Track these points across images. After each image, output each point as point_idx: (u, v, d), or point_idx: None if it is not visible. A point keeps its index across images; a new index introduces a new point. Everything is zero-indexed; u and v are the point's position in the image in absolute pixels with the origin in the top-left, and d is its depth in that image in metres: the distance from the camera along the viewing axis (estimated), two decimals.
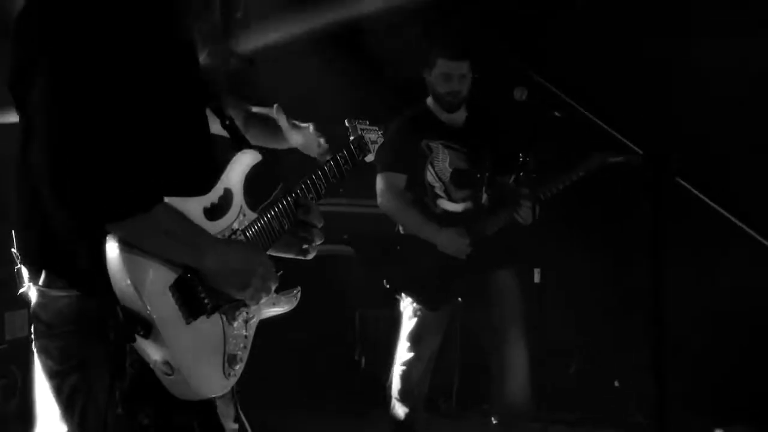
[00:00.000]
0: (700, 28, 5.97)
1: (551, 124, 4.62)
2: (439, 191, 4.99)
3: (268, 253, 2.60)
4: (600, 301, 6.38)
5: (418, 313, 4.95)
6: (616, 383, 6.30)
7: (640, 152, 2.74)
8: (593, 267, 6.34)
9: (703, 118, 5.85)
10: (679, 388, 3.28)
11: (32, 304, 2.40)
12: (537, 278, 4.77)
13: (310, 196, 2.71)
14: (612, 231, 6.35)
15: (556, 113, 4.63)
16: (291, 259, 2.76)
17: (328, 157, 2.83)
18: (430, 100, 5.13)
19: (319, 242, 2.75)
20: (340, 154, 2.81)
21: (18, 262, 2.42)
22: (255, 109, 3.09)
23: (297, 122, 2.99)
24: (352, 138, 2.87)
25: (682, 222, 4.48)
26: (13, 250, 2.42)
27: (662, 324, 2.64)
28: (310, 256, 2.77)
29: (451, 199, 4.99)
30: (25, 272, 2.41)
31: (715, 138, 5.84)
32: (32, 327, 2.43)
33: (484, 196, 5.04)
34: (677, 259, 3.56)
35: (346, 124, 2.93)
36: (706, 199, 2.79)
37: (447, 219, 4.94)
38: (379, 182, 5.04)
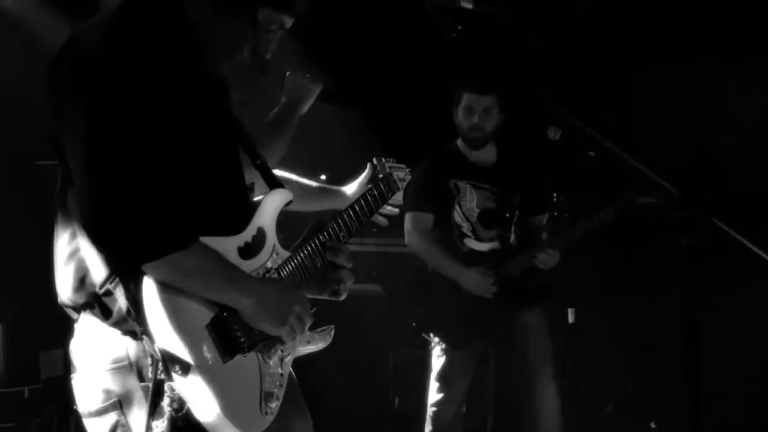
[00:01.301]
0: (736, 64, 5.96)
1: (585, 164, 4.61)
2: (466, 231, 4.99)
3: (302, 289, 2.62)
4: (635, 341, 6.33)
5: (446, 352, 4.94)
6: (653, 425, 6.23)
7: (676, 192, 2.74)
8: (627, 306, 6.29)
9: (736, 156, 5.83)
10: (715, 428, 3.25)
11: (70, 342, 2.42)
12: (571, 318, 4.75)
13: (342, 234, 2.73)
14: (646, 270, 6.31)
15: (591, 153, 4.62)
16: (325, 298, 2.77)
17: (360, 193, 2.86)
18: (459, 141, 5.14)
19: (349, 283, 2.77)
20: (369, 192, 2.83)
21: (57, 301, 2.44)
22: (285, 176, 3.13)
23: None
24: (380, 176, 2.89)
25: (716, 261, 4.45)
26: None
27: (697, 364, 2.62)
28: (342, 297, 2.78)
29: (478, 238, 4.99)
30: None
31: (748, 175, 5.81)
32: (70, 366, 2.46)
33: (512, 236, 5.03)
34: (712, 299, 3.54)
35: (374, 163, 2.95)
36: (743, 240, 2.78)
37: (474, 258, 4.93)
38: (407, 222, 5.05)
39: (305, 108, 3.13)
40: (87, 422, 2.39)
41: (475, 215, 4.98)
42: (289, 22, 2.54)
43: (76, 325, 2.40)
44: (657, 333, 6.24)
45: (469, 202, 4.99)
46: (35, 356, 5.26)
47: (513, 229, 5.02)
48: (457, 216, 4.99)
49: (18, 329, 5.20)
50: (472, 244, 4.98)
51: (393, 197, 2.93)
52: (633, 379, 6.32)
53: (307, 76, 3.17)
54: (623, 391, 6.41)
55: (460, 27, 2.73)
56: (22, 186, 5.62)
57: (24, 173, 5.72)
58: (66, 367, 2.52)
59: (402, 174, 2.95)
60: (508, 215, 5.00)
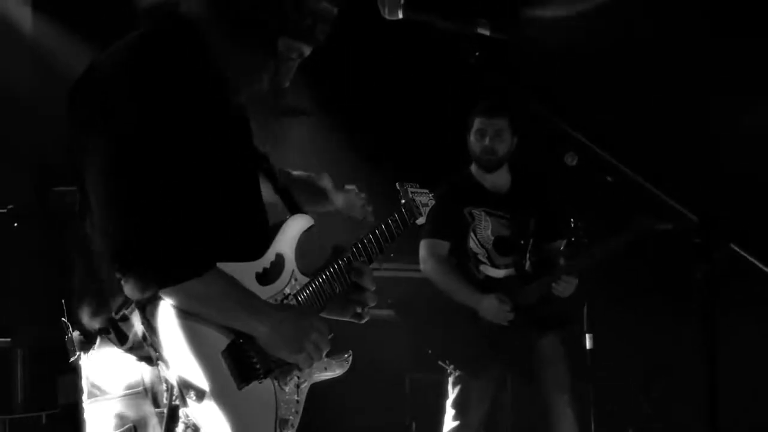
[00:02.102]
0: (755, 88, 5.95)
1: (603, 189, 4.60)
2: (481, 258, 4.98)
3: (321, 315, 2.62)
4: (653, 366, 6.30)
5: (462, 380, 4.93)
6: None
7: (693, 218, 2.72)
8: (645, 332, 6.26)
9: (754, 180, 5.81)
10: None
11: (85, 368, 2.42)
12: (589, 344, 4.73)
13: (362, 259, 2.71)
14: (664, 295, 6.28)
15: (608, 178, 4.61)
16: (340, 323, 2.76)
17: (372, 218, 2.86)
18: (473, 167, 5.14)
19: (372, 305, 2.76)
20: (391, 217, 2.82)
21: (71, 328, 2.44)
22: (295, 173, 3.13)
23: (341, 186, 3.04)
24: (403, 201, 2.88)
25: (734, 286, 4.43)
26: (63, 319, 2.45)
27: (716, 389, 2.60)
28: (364, 320, 2.78)
29: (494, 265, 4.99)
30: (77, 338, 2.44)
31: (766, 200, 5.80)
32: (84, 391, 2.46)
33: (528, 263, 5.02)
34: (730, 323, 3.52)
35: (397, 188, 2.95)
36: (761, 265, 2.76)
37: (489, 285, 4.93)
38: (422, 249, 5.06)
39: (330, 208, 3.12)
40: None
41: (491, 242, 4.97)
42: (308, 50, 2.55)
43: (91, 351, 2.40)
44: (675, 358, 6.20)
45: (484, 229, 4.98)
46: (53, 381, 5.27)
47: (528, 255, 5.01)
48: (473, 243, 4.99)
49: (36, 354, 5.22)
50: (488, 271, 4.98)
51: (415, 223, 2.92)
52: (652, 404, 6.28)
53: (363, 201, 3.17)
54: (642, 417, 6.37)
55: (477, 53, 2.73)
56: (41, 211, 5.65)
57: (44, 199, 5.75)
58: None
59: (425, 199, 2.94)
60: (523, 242, 4.99)
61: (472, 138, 5.06)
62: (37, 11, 6.72)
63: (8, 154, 6.18)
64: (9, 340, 5.13)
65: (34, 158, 6.21)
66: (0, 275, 5.35)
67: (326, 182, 3.06)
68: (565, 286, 4.80)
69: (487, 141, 4.99)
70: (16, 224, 5.45)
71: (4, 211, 5.61)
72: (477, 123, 5.03)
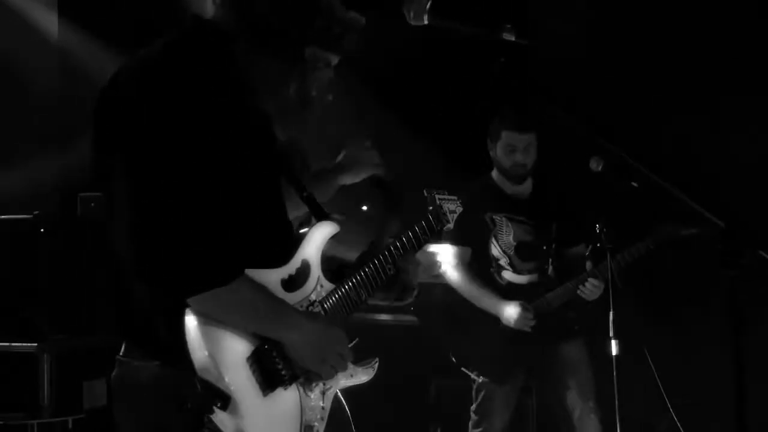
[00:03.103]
0: None
1: (628, 195, 4.58)
2: (503, 264, 4.97)
3: (369, 300, 2.63)
4: (680, 372, 6.26)
5: (486, 386, 4.92)
6: None
7: (720, 224, 2.71)
8: (672, 337, 6.22)
9: None
10: None
11: (112, 374, 2.44)
12: (614, 350, 4.70)
13: (388, 267, 2.71)
14: (690, 301, 6.24)
15: (634, 183, 4.59)
16: (365, 329, 2.76)
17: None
18: (495, 173, 5.13)
19: (416, 288, 2.76)
20: (418, 225, 2.81)
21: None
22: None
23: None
24: (430, 208, 2.88)
25: (762, 293, 4.40)
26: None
27: (743, 397, 2.59)
28: (407, 301, 2.78)
29: (516, 271, 4.97)
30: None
31: None
32: (111, 396, 2.47)
33: (550, 268, 5.00)
34: (758, 330, 3.49)
35: (425, 194, 2.94)
36: None
37: (512, 291, 4.92)
38: (443, 255, 5.05)
39: (351, 180, 3.06)
40: None
41: (513, 248, 4.96)
42: (335, 59, 2.55)
43: (117, 357, 2.41)
44: (702, 364, 6.16)
45: (506, 235, 4.97)
46: (79, 386, 5.30)
47: (551, 261, 5.00)
48: (494, 249, 4.98)
49: (63, 360, 5.24)
50: (510, 276, 4.97)
51: (442, 229, 2.91)
52: (678, 410, 6.24)
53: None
54: (668, 424, 6.32)
55: (503, 59, 2.72)
56: (67, 217, 5.69)
57: (70, 204, 5.79)
58: (108, 397, 2.52)
59: (453, 206, 2.94)
60: (545, 247, 4.98)
61: (499, 151, 5.04)
62: (63, 17, 6.77)
63: (34, 159, 6.22)
64: (36, 345, 5.15)
65: (61, 164, 6.25)
66: (27, 281, 5.37)
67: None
68: (592, 290, 4.78)
69: (518, 156, 4.98)
70: (42, 230, 5.48)
71: (30, 216, 5.64)
72: (506, 137, 5.00)
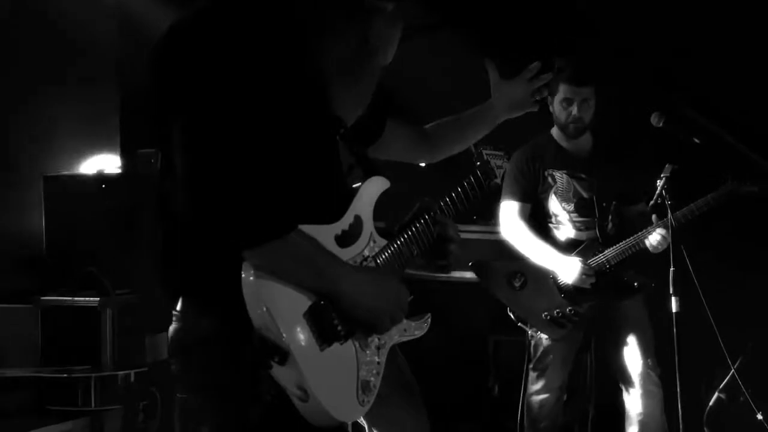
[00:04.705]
0: None
1: (689, 151, 4.51)
2: (563, 220, 4.94)
3: (406, 271, 2.62)
4: (740, 330, 6.19)
5: (543, 343, 4.92)
6: (759, 416, 6.09)
7: None
8: (733, 294, 6.15)
9: None
10: None
11: (170, 329, 2.46)
12: (675, 307, 4.65)
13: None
14: (753, 256, 6.16)
15: (696, 139, 4.52)
16: (422, 285, 2.76)
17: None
18: (555, 129, 5.08)
19: (457, 257, 2.75)
20: (467, 180, 2.80)
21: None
22: (428, 126, 3.11)
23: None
24: (478, 164, 2.86)
25: None
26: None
27: None
28: (449, 272, 2.78)
29: (575, 227, 4.94)
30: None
31: None
32: (170, 351, 2.50)
33: (610, 225, 4.95)
34: None
35: (472, 150, 2.93)
36: None
37: (571, 248, 4.89)
38: (503, 211, 5.03)
39: (388, 56, 3.04)
40: (183, 407, 2.43)
41: (572, 204, 4.92)
42: (390, 6, 2.53)
43: (174, 312, 2.44)
44: (764, 322, 6.09)
45: (566, 191, 4.93)
46: (141, 340, 5.38)
47: (611, 217, 4.95)
48: (554, 205, 4.95)
49: (125, 315, 5.32)
50: (570, 233, 4.94)
51: (490, 184, 2.89)
52: (739, 370, 6.18)
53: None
54: (729, 382, 6.27)
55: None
56: (127, 173, 5.74)
57: (130, 161, 5.84)
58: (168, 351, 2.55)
59: (500, 161, 2.92)
60: (605, 204, 4.93)
61: (556, 105, 4.98)
62: None
63: (95, 117, 6.28)
64: (98, 299, 5.23)
65: (121, 121, 6.30)
66: (88, 237, 5.45)
67: (493, 73, 3.03)
68: (660, 241, 4.72)
69: (574, 110, 4.92)
70: (103, 186, 5.55)
71: (92, 173, 5.71)
72: (563, 91, 4.94)
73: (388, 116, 2.97)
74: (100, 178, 5.62)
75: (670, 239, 4.59)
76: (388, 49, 2.57)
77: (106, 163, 6.00)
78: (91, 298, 5.25)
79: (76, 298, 5.29)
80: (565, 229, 4.94)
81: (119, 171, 5.88)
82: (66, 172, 5.78)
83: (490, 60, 3.03)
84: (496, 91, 3.05)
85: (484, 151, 2.88)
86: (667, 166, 4.61)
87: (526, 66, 3.08)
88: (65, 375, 5.09)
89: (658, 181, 4.58)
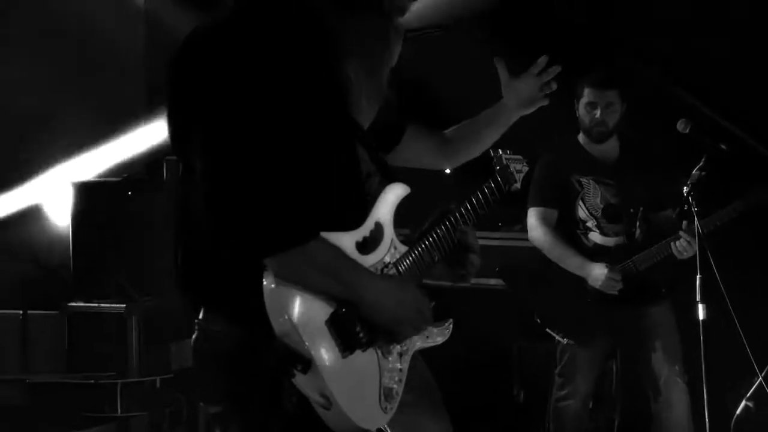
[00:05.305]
0: None
1: (717, 157, 4.49)
2: (590, 226, 4.92)
3: (425, 281, 2.62)
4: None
5: (570, 349, 4.90)
6: None
7: None
8: (761, 302, 6.10)
9: None
10: None
11: (192, 337, 2.47)
12: (702, 315, 4.62)
13: (460, 228, 2.70)
14: None
15: (723, 146, 4.50)
16: (446, 291, 2.75)
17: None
18: (581, 135, 5.06)
19: (477, 266, 2.74)
20: (486, 185, 2.78)
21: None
22: (448, 132, 3.11)
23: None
24: (497, 168, 2.84)
25: None
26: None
27: None
28: (467, 281, 2.76)
29: (603, 233, 4.91)
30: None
31: None
32: (193, 360, 2.51)
33: (638, 231, 4.93)
34: None
35: (491, 154, 2.91)
36: None
37: (598, 253, 4.87)
38: (530, 217, 5.03)
39: (395, 57, 3.04)
40: (207, 416, 2.44)
41: (600, 210, 4.90)
42: (410, 5, 2.52)
43: (196, 321, 2.44)
44: None
45: (593, 197, 4.92)
46: (166, 347, 5.40)
47: (638, 223, 4.93)
48: (581, 211, 4.93)
49: (150, 321, 5.34)
50: (597, 239, 4.92)
51: (510, 189, 2.88)
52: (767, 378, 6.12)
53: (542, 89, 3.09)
54: (757, 390, 6.22)
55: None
56: (155, 180, 5.77)
57: (156, 168, 5.87)
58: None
59: (519, 166, 2.90)
60: (632, 210, 4.91)
61: (581, 109, 4.97)
62: None
63: (122, 124, 6.32)
64: (125, 306, 5.26)
65: (147, 128, 6.34)
66: (115, 244, 5.48)
67: (503, 72, 3.03)
68: (686, 246, 4.69)
69: (598, 114, 4.90)
70: (130, 193, 5.58)
71: (119, 180, 5.75)
72: (587, 95, 4.93)
73: (406, 123, 2.96)
74: (127, 184, 5.65)
75: (696, 246, 4.56)
76: (395, 51, 2.57)
77: (132, 169, 6.04)
78: (118, 305, 5.28)
79: (102, 305, 5.33)
80: (592, 235, 4.92)
81: (146, 178, 5.91)
82: (93, 179, 5.82)
83: (499, 59, 3.01)
84: (507, 90, 3.04)
85: (503, 156, 2.86)
86: (693, 172, 4.60)
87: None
88: (92, 381, 5.13)
89: (685, 187, 4.56)
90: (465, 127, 3.09)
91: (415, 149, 2.97)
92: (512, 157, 2.87)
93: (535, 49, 3.11)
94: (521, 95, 3.02)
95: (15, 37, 6.22)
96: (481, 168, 2.95)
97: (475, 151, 3.09)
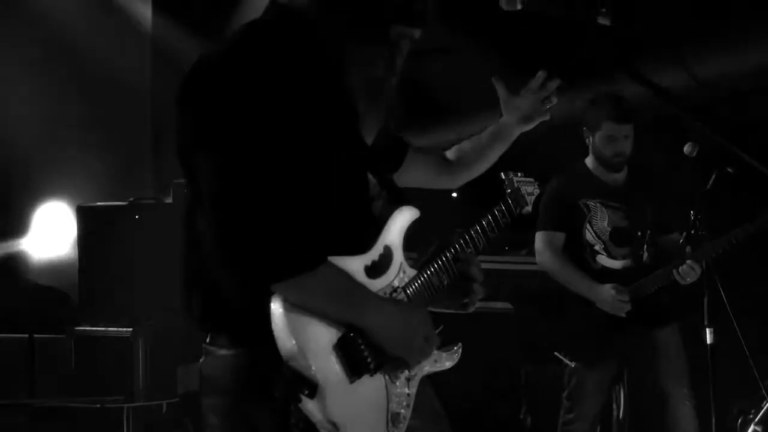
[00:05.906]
0: None
1: (723, 181, 4.50)
2: (598, 249, 4.95)
3: (428, 309, 2.60)
4: None
5: (578, 371, 4.90)
6: None
7: None
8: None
9: None
10: None
11: (200, 361, 2.46)
12: (710, 338, 4.62)
13: (469, 251, 2.68)
14: None
15: (729, 169, 4.52)
16: (454, 315, 2.74)
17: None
18: (590, 159, 5.09)
19: (480, 296, 2.73)
20: (497, 208, 2.78)
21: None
22: (450, 151, 3.11)
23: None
24: (508, 191, 2.84)
25: None
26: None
27: None
28: (470, 310, 2.74)
29: (611, 256, 4.95)
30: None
31: None
32: (200, 384, 2.50)
33: (646, 254, 4.95)
34: None
35: (502, 177, 2.91)
36: None
37: (606, 276, 4.89)
38: (539, 240, 5.06)
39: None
40: None
41: (607, 234, 4.93)
42: (418, 34, 2.53)
43: (203, 345, 2.44)
44: None
45: (600, 221, 4.95)
46: (173, 371, 5.39)
47: (646, 247, 4.94)
48: (589, 235, 4.95)
49: (156, 344, 5.33)
50: (605, 261, 4.93)
51: (521, 212, 2.87)
52: None
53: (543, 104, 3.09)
54: (765, 414, 6.19)
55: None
56: (162, 204, 5.78)
57: (164, 191, 5.88)
58: None
59: (531, 188, 2.89)
60: (640, 233, 4.93)
61: (599, 141, 4.99)
62: (157, 9, 6.87)
63: (130, 148, 6.34)
64: (131, 330, 5.25)
65: (154, 152, 6.36)
66: (122, 266, 5.48)
67: (501, 90, 3.02)
68: (688, 272, 4.70)
69: (618, 146, 4.95)
70: (137, 216, 5.58)
71: (126, 203, 5.75)
72: (606, 128, 4.96)
73: (408, 143, 2.96)
74: (134, 208, 5.65)
75: (698, 271, 4.58)
76: (399, 73, 2.57)
77: (139, 193, 6.04)
78: (124, 329, 5.27)
79: (108, 329, 5.31)
80: (600, 258, 4.94)
81: (152, 201, 5.91)
82: (99, 203, 5.82)
83: (497, 77, 3.02)
84: (506, 107, 3.04)
85: (514, 178, 2.86)
86: (700, 195, 4.61)
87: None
88: (98, 405, 5.11)
89: (692, 210, 4.57)
90: (466, 146, 3.09)
91: (416, 170, 2.97)
92: (523, 179, 2.87)
93: (534, 64, 3.10)
94: (522, 111, 3.02)
95: (22, 64, 6.25)
96: (491, 191, 2.94)
97: (476, 171, 3.09)
